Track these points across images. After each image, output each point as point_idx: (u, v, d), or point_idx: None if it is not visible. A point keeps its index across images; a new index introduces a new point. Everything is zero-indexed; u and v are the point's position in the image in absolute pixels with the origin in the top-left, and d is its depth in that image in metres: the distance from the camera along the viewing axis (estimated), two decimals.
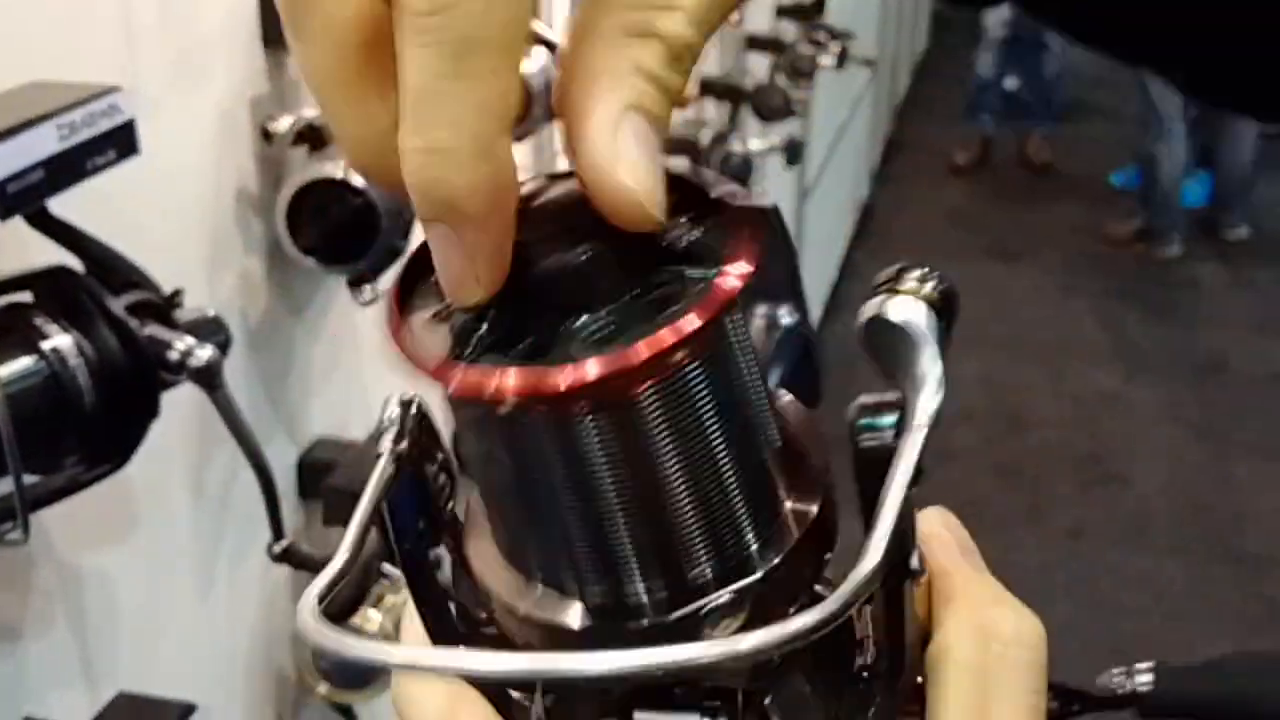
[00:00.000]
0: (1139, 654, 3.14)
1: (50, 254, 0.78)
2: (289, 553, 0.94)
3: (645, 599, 0.34)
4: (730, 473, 0.33)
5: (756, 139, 2.48)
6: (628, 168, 0.31)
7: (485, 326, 0.32)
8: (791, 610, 0.34)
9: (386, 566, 1.11)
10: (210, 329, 0.85)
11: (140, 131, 0.78)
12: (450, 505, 0.39)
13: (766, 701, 0.36)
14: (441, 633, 0.38)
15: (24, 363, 0.73)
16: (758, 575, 0.34)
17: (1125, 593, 3.21)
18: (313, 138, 1.07)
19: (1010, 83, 6.15)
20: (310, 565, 0.98)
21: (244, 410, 0.88)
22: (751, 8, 2.66)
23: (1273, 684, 0.73)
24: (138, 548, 0.97)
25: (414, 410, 0.37)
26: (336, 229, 1.06)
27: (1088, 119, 6.65)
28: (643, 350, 0.30)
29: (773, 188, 2.83)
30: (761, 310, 0.42)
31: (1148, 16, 0.45)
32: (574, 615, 0.34)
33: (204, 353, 0.79)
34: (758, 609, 0.34)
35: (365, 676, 1.17)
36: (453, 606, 0.39)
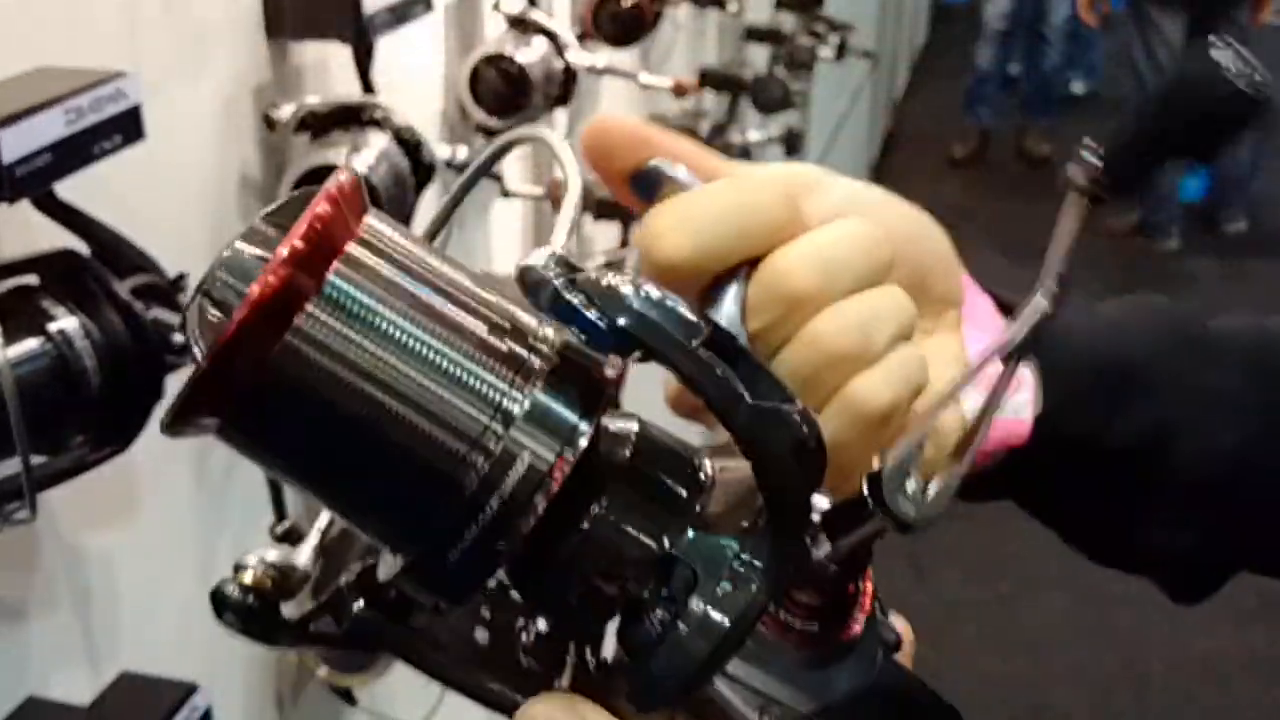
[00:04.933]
0: (1133, 644, 3.14)
1: (55, 237, 0.79)
2: (291, 533, 0.95)
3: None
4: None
5: (755, 130, 2.49)
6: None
7: None
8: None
9: None
10: None
11: (144, 117, 0.79)
12: None
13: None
14: None
15: (31, 344, 0.73)
16: None
17: (1119, 583, 3.20)
18: (314, 125, 1.08)
19: (1014, 68, 6.16)
20: None
21: None
22: None
23: None
24: (141, 529, 0.98)
25: None
26: None
27: (1086, 112, 6.65)
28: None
29: None
30: None
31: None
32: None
33: None
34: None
35: (364, 660, 1.18)
36: None
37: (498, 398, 0.35)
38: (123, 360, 0.76)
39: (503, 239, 1.69)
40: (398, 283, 0.35)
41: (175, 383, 0.81)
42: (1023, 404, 0.49)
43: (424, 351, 0.35)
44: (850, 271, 0.45)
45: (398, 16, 1.11)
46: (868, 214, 0.47)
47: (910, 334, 0.46)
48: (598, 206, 1.72)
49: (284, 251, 0.33)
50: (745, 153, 2.36)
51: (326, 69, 1.16)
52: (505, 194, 1.52)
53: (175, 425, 0.35)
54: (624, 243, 1.79)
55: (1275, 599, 3.18)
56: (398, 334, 0.35)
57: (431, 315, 0.35)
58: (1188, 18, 4.98)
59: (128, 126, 0.77)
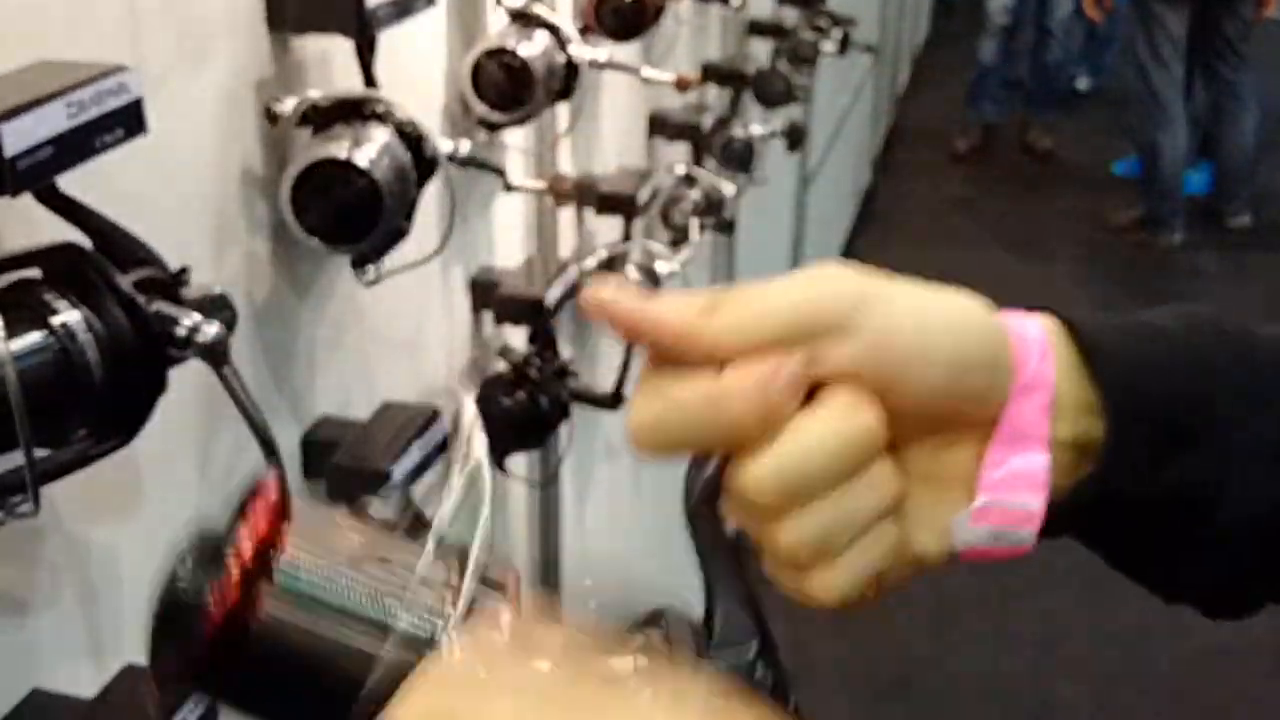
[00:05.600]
0: (1137, 638, 3.13)
1: (57, 231, 0.79)
2: None
3: None
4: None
5: (758, 124, 2.49)
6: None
7: None
8: None
9: None
10: (216, 306, 0.86)
11: (146, 111, 0.79)
12: None
13: None
14: None
15: (34, 338, 0.73)
16: None
17: (1120, 578, 3.21)
18: (317, 119, 1.08)
19: (1017, 62, 6.16)
20: None
21: (248, 388, 0.88)
22: None
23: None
24: (144, 522, 0.98)
25: None
26: (340, 209, 1.07)
27: (1089, 107, 6.64)
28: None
29: (774, 174, 2.84)
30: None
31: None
32: None
33: (211, 329, 0.79)
34: None
35: None
36: None
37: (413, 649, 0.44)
38: (125, 353, 0.76)
39: (505, 234, 1.69)
40: (323, 565, 0.45)
41: (175, 377, 0.81)
42: (1027, 536, 0.51)
43: (346, 620, 0.44)
44: (815, 484, 0.46)
45: (400, 10, 1.11)
46: (893, 366, 0.47)
47: (889, 514, 0.48)
48: (600, 201, 1.72)
49: (237, 571, 0.44)
50: (748, 147, 2.36)
51: (328, 63, 1.16)
52: (508, 188, 1.52)
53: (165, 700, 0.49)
54: (626, 236, 1.78)
55: None
56: (325, 609, 0.44)
57: (351, 588, 0.45)
58: (1190, 12, 4.97)
59: (129, 120, 0.76)
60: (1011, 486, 0.49)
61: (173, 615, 0.45)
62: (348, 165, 1.04)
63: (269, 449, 0.91)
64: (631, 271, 1.74)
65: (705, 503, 0.48)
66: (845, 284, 0.47)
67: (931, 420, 0.48)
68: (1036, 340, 0.49)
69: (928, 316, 0.48)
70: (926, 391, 0.47)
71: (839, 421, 0.46)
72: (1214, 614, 0.58)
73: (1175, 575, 0.55)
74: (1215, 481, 0.51)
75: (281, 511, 0.45)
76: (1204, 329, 0.54)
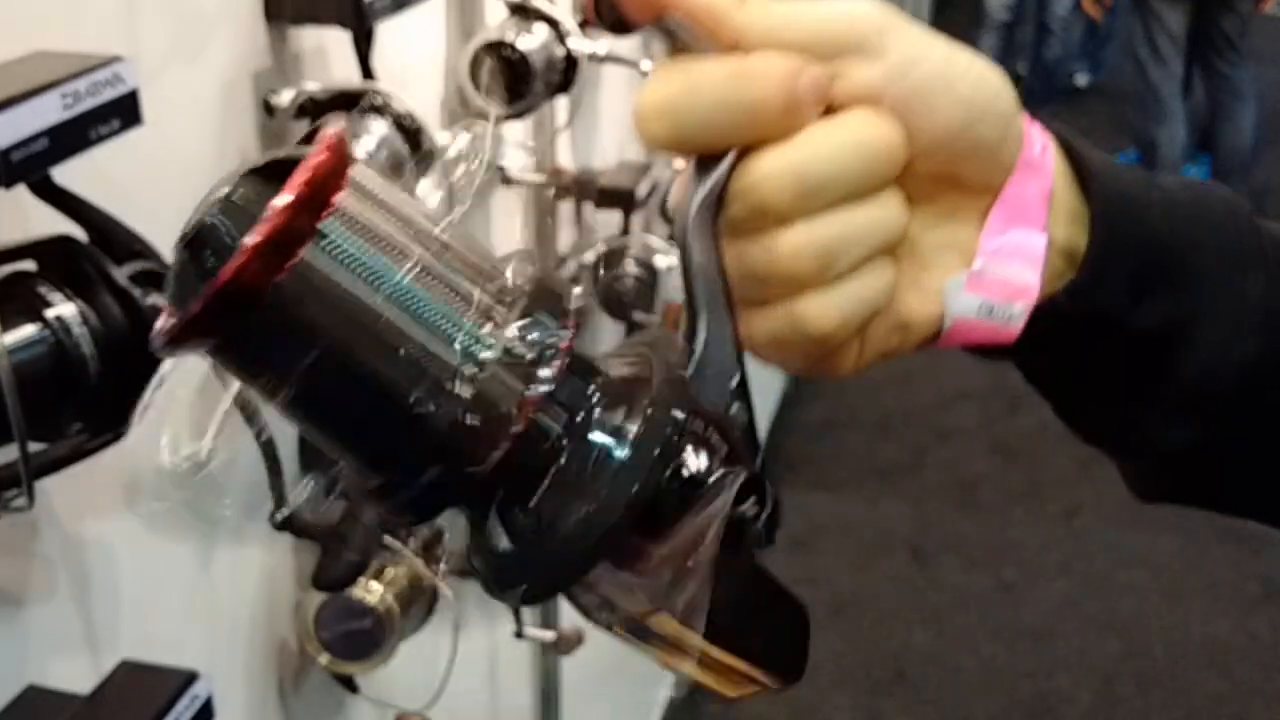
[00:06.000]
0: (1135, 632, 3.12)
1: (52, 223, 0.79)
2: (290, 521, 0.94)
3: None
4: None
5: None
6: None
7: None
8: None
9: (387, 538, 1.12)
10: None
11: (142, 102, 0.78)
12: None
13: None
14: None
15: (28, 331, 0.73)
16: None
17: (1122, 571, 3.21)
18: (314, 111, 1.08)
19: (1020, 66, 6.17)
20: (312, 533, 0.99)
21: None
22: None
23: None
24: (140, 517, 0.98)
25: None
26: None
27: (1088, 102, 6.64)
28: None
29: None
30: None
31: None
32: None
33: None
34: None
35: (366, 647, 1.18)
36: None
37: (471, 343, 0.38)
38: (120, 347, 0.76)
39: (504, 227, 1.68)
40: (383, 230, 0.38)
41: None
42: (1018, 314, 0.48)
43: (404, 296, 0.38)
44: (831, 190, 0.44)
45: (398, 2, 1.10)
46: (916, 93, 0.45)
47: (893, 248, 0.46)
48: (599, 195, 1.71)
49: (287, 198, 0.36)
50: None
51: (326, 54, 1.16)
52: (506, 181, 1.51)
53: (172, 345, 0.37)
54: (625, 230, 1.78)
55: (1278, 586, 3.18)
56: (383, 279, 0.37)
57: (412, 263, 0.38)
58: (1189, 8, 4.97)
59: (125, 111, 0.76)
60: (1009, 256, 0.47)
61: (201, 245, 0.37)
62: None
63: (265, 441, 0.90)
64: (630, 265, 1.74)
65: (705, 211, 0.43)
66: (875, 11, 0.46)
67: (939, 176, 0.47)
68: (1040, 136, 0.49)
69: (952, 53, 0.47)
70: (943, 126, 0.46)
71: (862, 130, 0.44)
72: (1145, 489, 0.56)
73: (1128, 428, 0.53)
74: (1191, 322, 0.50)
75: (343, 156, 0.38)
76: (1208, 189, 0.53)
